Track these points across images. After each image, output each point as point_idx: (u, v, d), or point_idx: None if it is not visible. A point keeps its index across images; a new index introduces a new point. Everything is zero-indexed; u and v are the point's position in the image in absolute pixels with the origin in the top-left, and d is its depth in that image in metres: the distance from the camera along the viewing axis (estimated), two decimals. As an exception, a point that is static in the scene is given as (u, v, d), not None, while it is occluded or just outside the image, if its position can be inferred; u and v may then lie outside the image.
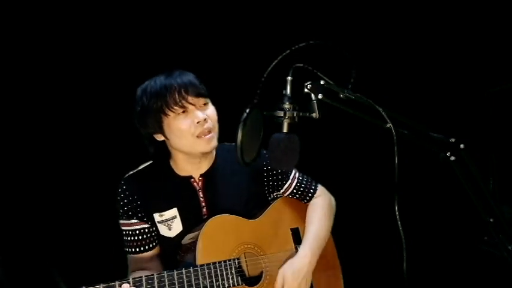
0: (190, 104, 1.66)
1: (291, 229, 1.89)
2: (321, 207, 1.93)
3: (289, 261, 1.77)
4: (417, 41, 2.67)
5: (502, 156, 2.35)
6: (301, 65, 1.23)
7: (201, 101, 1.69)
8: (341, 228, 1.98)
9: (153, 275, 1.54)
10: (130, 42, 2.41)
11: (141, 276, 1.52)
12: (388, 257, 1.92)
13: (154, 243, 1.78)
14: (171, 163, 1.80)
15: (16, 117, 2.27)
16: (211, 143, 1.70)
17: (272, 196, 1.94)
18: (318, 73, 1.24)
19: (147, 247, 1.77)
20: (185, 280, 1.57)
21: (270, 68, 1.19)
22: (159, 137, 1.73)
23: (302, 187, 1.93)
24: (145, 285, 1.51)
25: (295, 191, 1.93)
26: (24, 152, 2.29)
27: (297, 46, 1.22)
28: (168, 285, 1.54)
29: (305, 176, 1.96)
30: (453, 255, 2.68)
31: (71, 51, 2.33)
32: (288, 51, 1.21)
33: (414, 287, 1.25)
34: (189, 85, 1.66)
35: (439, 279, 2.69)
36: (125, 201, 1.74)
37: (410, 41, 2.67)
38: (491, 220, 1.28)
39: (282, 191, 1.93)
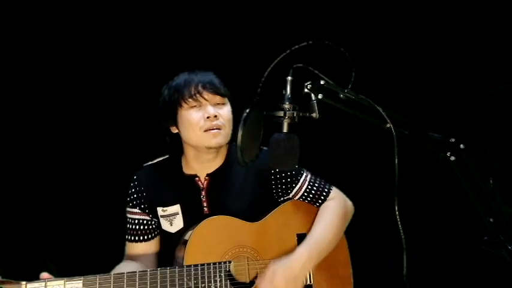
0: (205, 99, 1.72)
1: (298, 234, 1.79)
2: (331, 209, 1.83)
3: (283, 259, 1.69)
4: (417, 41, 2.67)
5: (502, 156, 2.34)
6: (301, 65, 1.23)
7: (217, 99, 1.74)
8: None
9: (135, 272, 1.55)
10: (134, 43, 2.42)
11: (123, 273, 1.53)
12: (388, 257, 1.92)
13: (150, 236, 1.83)
14: (182, 159, 1.85)
15: (16, 114, 2.28)
16: (216, 138, 1.72)
17: (282, 199, 1.87)
18: (318, 73, 1.24)
19: (141, 237, 1.82)
20: (168, 279, 1.57)
21: (270, 68, 1.19)
22: (174, 129, 1.80)
23: (314, 190, 1.85)
24: (126, 281, 1.52)
25: (306, 194, 1.85)
26: (23, 152, 2.29)
27: (297, 46, 1.22)
28: (150, 283, 1.54)
29: (318, 179, 1.88)
30: (453, 255, 2.68)
31: (83, 51, 2.36)
32: (288, 51, 1.21)
33: (414, 287, 1.24)
34: (207, 82, 1.73)
35: (439, 279, 2.69)
36: (133, 190, 1.82)
37: (410, 41, 2.67)
38: (491, 220, 1.28)
39: (291, 194, 1.85)
